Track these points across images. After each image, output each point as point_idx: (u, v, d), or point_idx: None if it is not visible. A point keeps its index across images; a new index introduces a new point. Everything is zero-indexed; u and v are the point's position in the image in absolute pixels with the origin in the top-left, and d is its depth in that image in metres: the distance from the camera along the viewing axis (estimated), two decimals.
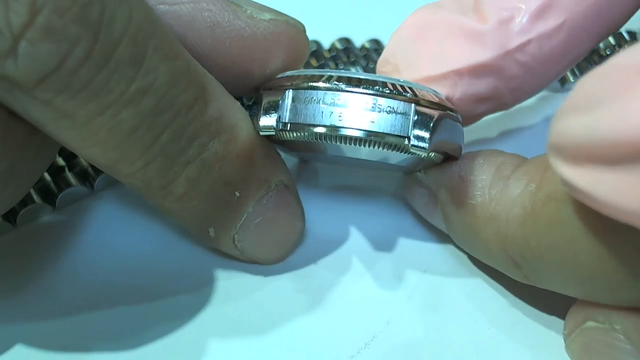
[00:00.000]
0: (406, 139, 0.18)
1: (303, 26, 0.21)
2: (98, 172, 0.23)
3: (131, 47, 0.16)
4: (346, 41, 0.29)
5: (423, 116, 0.18)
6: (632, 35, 0.30)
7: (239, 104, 0.20)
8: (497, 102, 0.21)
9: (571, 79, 0.28)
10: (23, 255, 0.22)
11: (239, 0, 0.20)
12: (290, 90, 0.19)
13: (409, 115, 0.18)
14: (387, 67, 0.22)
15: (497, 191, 0.19)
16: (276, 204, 0.21)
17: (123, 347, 0.19)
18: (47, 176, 0.23)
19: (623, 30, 0.30)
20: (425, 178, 0.21)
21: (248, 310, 0.20)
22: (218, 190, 0.19)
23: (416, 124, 0.18)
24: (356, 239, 0.22)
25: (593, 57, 0.29)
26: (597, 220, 0.16)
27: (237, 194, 0.20)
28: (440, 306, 0.20)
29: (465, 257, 0.22)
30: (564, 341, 0.19)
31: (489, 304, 0.21)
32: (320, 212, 0.23)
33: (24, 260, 0.21)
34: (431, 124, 0.18)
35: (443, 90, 0.20)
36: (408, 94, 0.18)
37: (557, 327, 0.20)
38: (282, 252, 0.22)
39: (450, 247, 0.22)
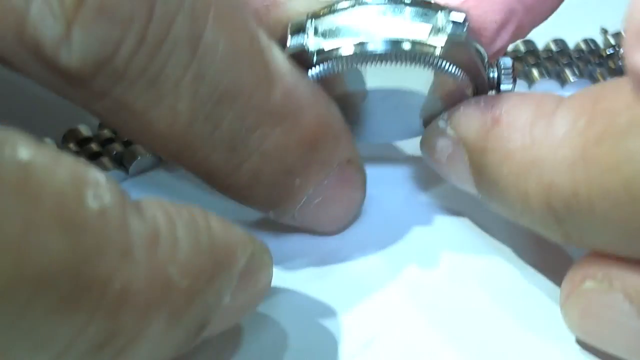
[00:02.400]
0: (438, 29, 0.18)
1: None
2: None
3: (188, 22, 0.15)
4: None
5: (454, 15, 0.18)
6: None
7: (306, 75, 0.19)
8: (515, 25, 0.19)
9: (571, 79, 0.28)
10: None
11: None
12: (312, 18, 0.18)
13: (438, 18, 0.18)
14: None
15: (540, 131, 0.17)
16: (337, 182, 0.20)
17: None
18: None
19: (623, 30, 0.30)
20: (450, 125, 0.19)
21: None
22: (278, 179, 0.18)
23: (450, 21, 0.18)
24: (356, 238, 0.22)
25: (593, 59, 0.29)
26: None
27: (298, 182, 0.19)
28: (441, 306, 0.20)
29: (466, 256, 0.22)
30: (561, 310, 0.18)
31: (490, 303, 0.20)
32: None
33: None
34: (463, 19, 0.18)
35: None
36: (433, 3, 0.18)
37: (561, 328, 0.19)
38: (341, 224, 0.21)
39: (451, 246, 0.22)
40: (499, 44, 0.20)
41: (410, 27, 0.18)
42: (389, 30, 0.18)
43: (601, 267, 0.17)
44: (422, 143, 0.21)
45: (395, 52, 0.18)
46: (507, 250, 0.22)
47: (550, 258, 0.21)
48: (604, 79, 0.28)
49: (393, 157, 0.24)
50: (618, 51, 0.29)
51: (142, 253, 0.13)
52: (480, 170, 0.18)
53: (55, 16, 0.14)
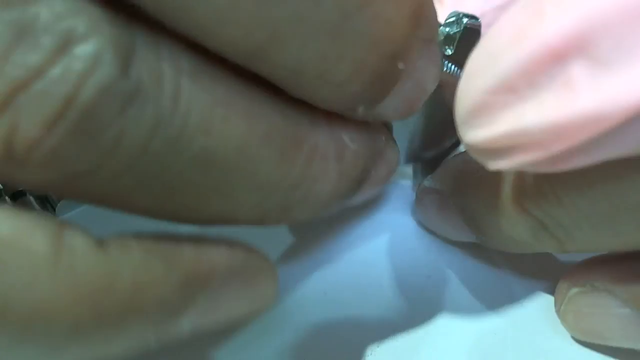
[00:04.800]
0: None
1: None
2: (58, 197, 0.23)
3: None
4: None
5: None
6: None
7: None
8: None
9: None
10: None
11: None
12: None
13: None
14: None
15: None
16: (425, 62, 0.17)
17: None
18: None
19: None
20: (433, 181, 0.21)
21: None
22: (382, 66, 0.15)
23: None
24: (358, 245, 0.22)
25: None
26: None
27: (401, 66, 0.16)
28: (445, 311, 0.20)
29: (469, 260, 0.22)
30: (558, 317, 0.20)
31: (493, 309, 0.21)
32: (320, 218, 0.22)
33: None
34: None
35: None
36: None
37: (563, 332, 0.20)
38: (414, 109, 0.18)
39: (454, 251, 0.22)
40: None
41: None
42: None
43: (583, 275, 0.19)
44: (415, 205, 0.23)
45: None
46: (511, 265, 0.22)
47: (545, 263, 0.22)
48: None
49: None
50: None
51: None
52: (465, 207, 0.20)
53: None
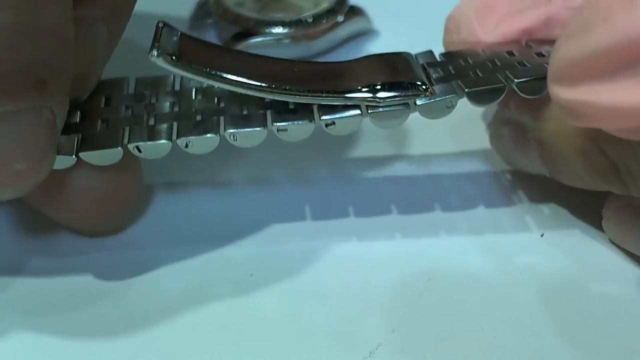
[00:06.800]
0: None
1: None
2: None
3: None
4: None
5: None
6: None
7: None
8: None
9: None
10: None
11: None
12: None
13: None
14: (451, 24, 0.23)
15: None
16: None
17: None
18: None
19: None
20: (513, 112, 0.22)
21: (249, 320, 0.20)
22: None
23: None
24: (359, 245, 0.22)
25: None
26: None
27: None
28: (446, 314, 0.20)
29: (471, 264, 0.22)
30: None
31: (495, 312, 0.20)
32: (320, 222, 0.23)
33: None
34: None
35: None
36: None
37: (563, 332, 0.20)
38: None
39: (456, 253, 0.22)
40: None
41: None
42: None
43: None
44: (491, 134, 0.23)
45: None
46: (504, 257, 0.22)
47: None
48: None
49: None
50: None
51: None
52: (541, 140, 0.21)
53: None
